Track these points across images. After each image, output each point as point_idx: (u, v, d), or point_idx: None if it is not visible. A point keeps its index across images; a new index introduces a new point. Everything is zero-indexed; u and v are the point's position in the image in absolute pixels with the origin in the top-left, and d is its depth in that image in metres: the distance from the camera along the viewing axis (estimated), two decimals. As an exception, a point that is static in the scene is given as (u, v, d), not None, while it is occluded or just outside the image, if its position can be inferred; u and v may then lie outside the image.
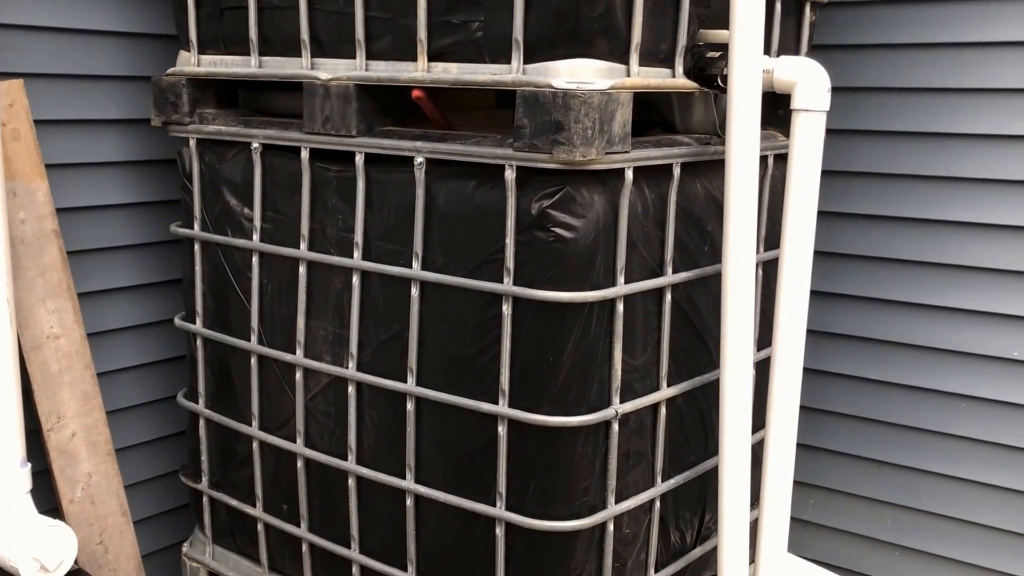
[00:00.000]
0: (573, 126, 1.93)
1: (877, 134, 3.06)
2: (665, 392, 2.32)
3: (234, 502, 2.76)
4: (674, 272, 2.27)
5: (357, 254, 2.34)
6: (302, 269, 2.45)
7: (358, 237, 2.33)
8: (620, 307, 2.13)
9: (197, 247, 2.70)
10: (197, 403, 2.80)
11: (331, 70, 2.32)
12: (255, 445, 2.66)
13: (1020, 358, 2.90)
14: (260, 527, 2.72)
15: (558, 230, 2.04)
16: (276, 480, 2.65)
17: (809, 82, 2.17)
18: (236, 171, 2.58)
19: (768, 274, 2.59)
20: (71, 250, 2.76)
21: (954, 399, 3.03)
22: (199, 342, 2.76)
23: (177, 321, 2.82)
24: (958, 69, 2.89)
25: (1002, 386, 2.94)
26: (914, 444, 3.12)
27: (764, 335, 2.57)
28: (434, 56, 2.15)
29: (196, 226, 2.69)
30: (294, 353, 2.50)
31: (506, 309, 2.10)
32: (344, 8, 2.26)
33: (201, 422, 2.80)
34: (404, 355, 2.28)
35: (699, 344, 2.41)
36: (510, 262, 2.09)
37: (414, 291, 2.24)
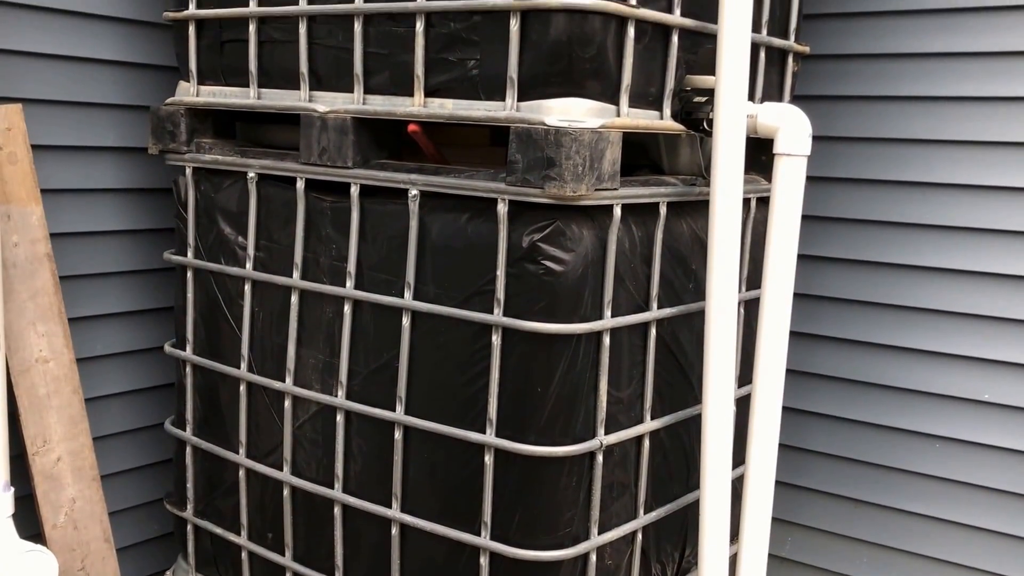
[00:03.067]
0: (564, 162, 2.00)
1: (856, 182, 3.15)
2: (649, 425, 2.36)
3: (219, 530, 2.77)
4: (659, 308, 2.33)
5: (350, 283, 2.39)
6: (294, 298, 2.50)
7: (351, 267, 2.38)
8: (607, 340, 2.18)
9: (190, 275, 2.73)
10: (185, 430, 2.82)
11: (329, 103, 2.38)
12: (242, 473, 2.68)
13: (990, 400, 2.97)
14: (244, 555, 2.73)
15: (548, 263, 2.09)
16: (262, 508, 2.67)
17: (791, 127, 2.24)
18: (231, 200, 2.62)
19: (750, 313, 2.66)
20: (64, 275, 2.79)
21: (928, 440, 3.09)
22: (188, 369, 2.78)
23: (167, 348, 2.85)
24: (933, 121, 2.99)
25: (974, 427, 3.01)
26: (890, 483, 3.17)
27: (745, 372, 2.63)
28: (430, 92, 2.22)
29: (190, 254, 2.73)
30: (284, 381, 2.53)
31: (495, 339, 2.15)
32: (343, 43, 2.33)
33: (188, 449, 2.82)
34: (393, 384, 2.32)
35: (682, 379, 2.46)
36: (500, 293, 2.14)
37: (405, 321, 2.29)
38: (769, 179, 2.38)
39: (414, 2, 2.18)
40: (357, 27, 2.28)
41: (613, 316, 2.19)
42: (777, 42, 2.58)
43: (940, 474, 3.08)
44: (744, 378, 2.63)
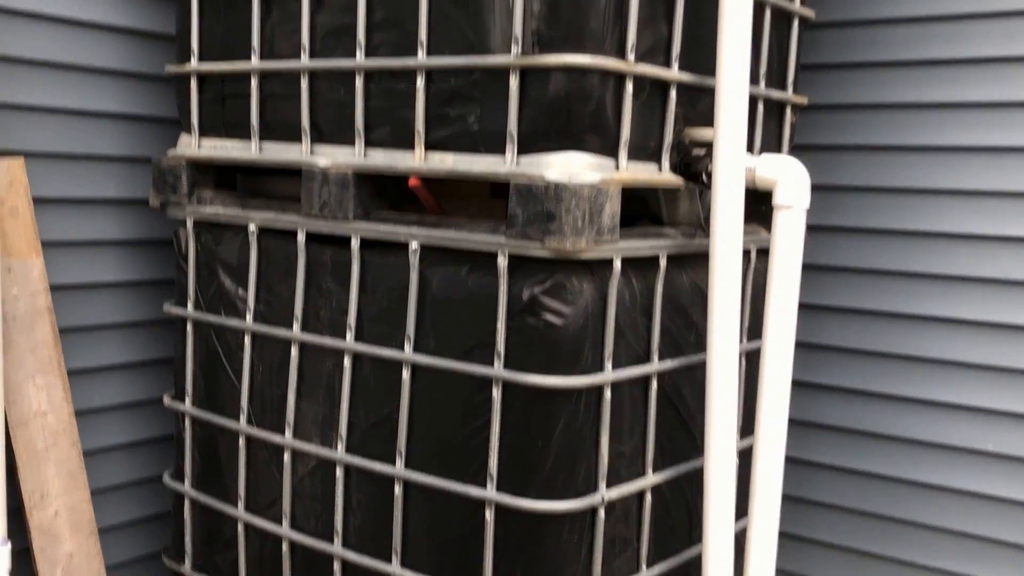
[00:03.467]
0: (564, 216, 2.00)
1: (857, 231, 3.15)
2: (651, 479, 2.35)
3: (216, 584, 2.75)
4: (660, 360, 2.32)
5: (350, 336, 2.38)
6: (294, 350, 2.49)
7: (351, 319, 2.38)
8: (608, 393, 2.17)
9: (190, 327, 2.73)
10: (183, 483, 2.80)
11: (330, 157, 2.39)
12: (240, 527, 2.65)
13: (993, 450, 2.95)
14: (241, 610, 2.70)
15: (548, 316, 2.09)
16: (260, 563, 2.64)
17: (790, 180, 2.25)
18: (232, 252, 2.63)
19: (752, 364, 2.65)
20: (63, 326, 2.79)
21: (932, 491, 3.07)
22: (187, 422, 2.77)
23: (166, 400, 2.84)
24: (933, 171, 3.00)
25: (976, 477, 2.98)
26: (895, 535, 3.14)
27: (748, 423, 2.61)
28: (431, 146, 2.23)
29: (190, 306, 2.72)
30: (283, 434, 2.52)
31: (496, 393, 2.14)
32: (345, 98, 2.35)
33: (186, 503, 2.80)
34: (393, 438, 2.31)
35: (684, 431, 2.45)
36: (501, 347, 2.13)
37: (405, 374, 2.28)
38: (769, 229, 2.38)
39: (415, 59, 2.20)
40: (359, 83, 2.30)
41: (614, 369, 2.18)
42: (775, 94, 2.60)
43: (945, 525, 3.05)
44: (746, 429, 2.61)
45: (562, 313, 2.09)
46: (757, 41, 2.48)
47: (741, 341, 2.60)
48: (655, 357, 2.31)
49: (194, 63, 2.65)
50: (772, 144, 2.67)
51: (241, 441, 2.62)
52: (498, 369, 2.13)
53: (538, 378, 2.09)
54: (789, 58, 2.68)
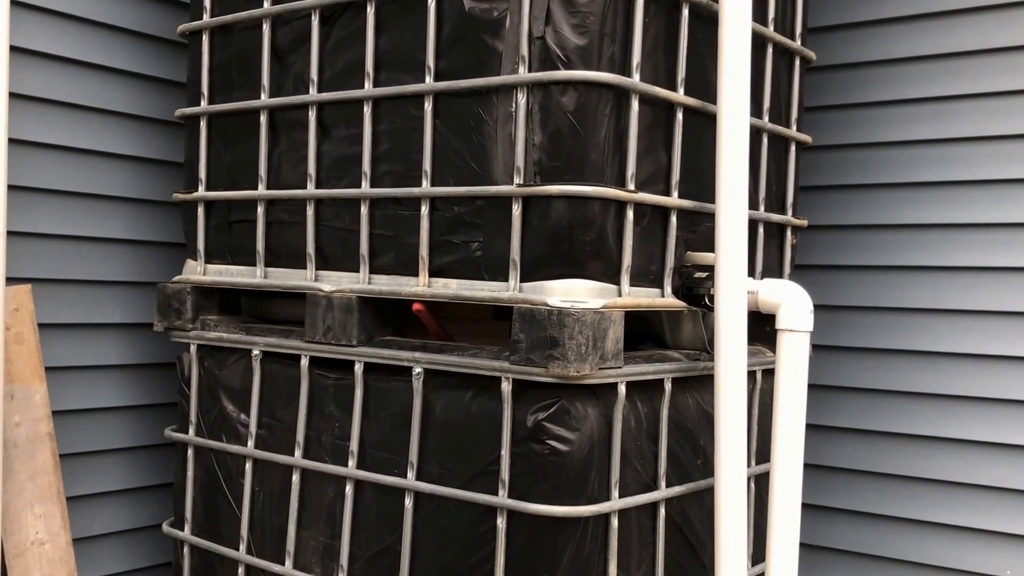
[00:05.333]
0: (568, 342, 2.00)
1: (861, 351, 3.15)
2: (659, 609, 2.29)
3: None
4: (668, 486, 2.29)
5: (352, 462, 2.36)
6: (295, 477, 2.46)
7: (353, 445, 2.36)
8: (615, 522, 2.14)
9: (190, 452, 2.71)
10: (180, 613, 2.74)
11: (335, 282, 2.41)
12: (238, 659, 2.59)
13: (1012, 577, 2.90)
14: None
15: (553, 443, 2.07)
16: None
17: (792, 304, 2.26)
18: (235, 377, 2.62)
19: (760, 487, 2.61)
20: (64, 452, 2.77)
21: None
22: (186, 550, 2.72)
23: (165, 528, 2.79)
24: (935, 291, 3.01)
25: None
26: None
27: (758, 549, 2.56)
28: (435, 272, 2.25)
29: (191, 431, 2.71)
30: (283, 564, 2.47)
31: (500, 522, 2.11)
32: (350, 225, 2.38)
33: (183, 633, 2.73)
34: (395, 568, 2.26)
35: (693, 558, 2.40)
36: (505, 474, 2.11)
37: (408, 502, 2.25)
38: (773, 349, 2.38)
39: (419, 188, 2.23)
40: (364, 210, 2.33)
41: (621, 497, 2.15)
42: (775, 217, 2.63)
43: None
44: (757, 556, 2.56)
45: (567, 439, 2.07)
46: (755, 166, 2.52)
47: (749, 464, 2.57)
48: (662, 483, 2.28)
49: (201, 190, 2.70)
50: (774, 266, 2.69)
51: (240, 571, 2.57)
52: (502, 497, 2.10)
53: (544, 507, 2.06)
54: (788, 181, 2.72)
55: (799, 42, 2.71)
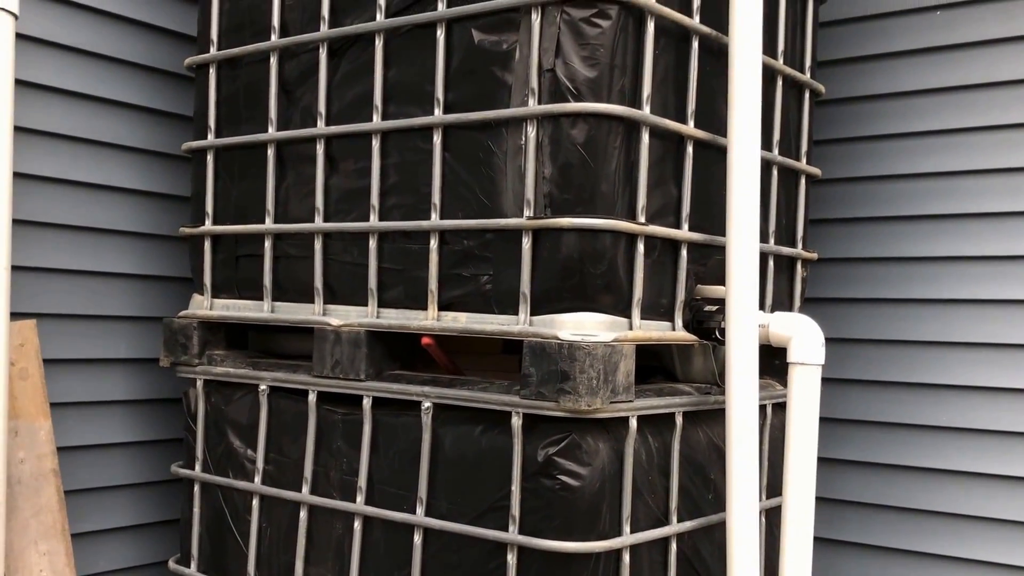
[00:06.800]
0: (579, 376, 1.99)
1: (869, 383, 3.13)
2: (672, 647, 2.26)
3: None
4: (679, 521, 2.27)
5: (360, 498, 2.33)
6: (303, 513, 2.44)
7: (362, 481, 2.33)
8: (627, 558, 2.11)
9: (197, 488, 2.68)
10: (185, 652, 2.71)
11: (343, 316, 2.39)
12: None
13: None
14: None
15: (564, 478, 2.05)
16: None
17: (804, 337, 2.24)
18: (242, 412, 2.60)
19: (771, 521, 2.58)
20: (69, 489, 2.74)
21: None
22: (192, 587, 2.69)
23: (171, 564, 2.76)
24: (944, 324, 3.00)
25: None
26: None
27: (769, 586, 2.53)
28: (444, 306, 2.23)
29: (197, 467, 2.68)
30: (290, 601, 2.44)
31: (511, 559, 2.08)
32: (358, 259, 2.37)
33: (187, 673, 2.70)
34: (405, 605, 2.24)
35: (705, 595, 2.37)
36: (516, 509, 2.08)
37: (417, 538, 2.22)
38: (783, 383, 2.37)
39: (428, 221, 2.23)
40: (372, 244, 2.32)
41: (632, 532, 2.13)
42: (785, 250, 2.63)
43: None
44: (769, 592, 2.53)
45: (578, 474, 2.05)
46: (765, 199, 2.51)
47: (760, 499, 2.54)
48: (674, 518, 2.25)
49: (208, 224, 2.69)
50: (784, 299, 2.68)
51: (247, 608, 2.54)
52: (513, 533, 2.08)
53: (555, 543, 2.03)
54: (798, 215, 2.71)
55: (809, 75, 2.71)
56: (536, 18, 2.08)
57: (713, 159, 2.30)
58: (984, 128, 2.94)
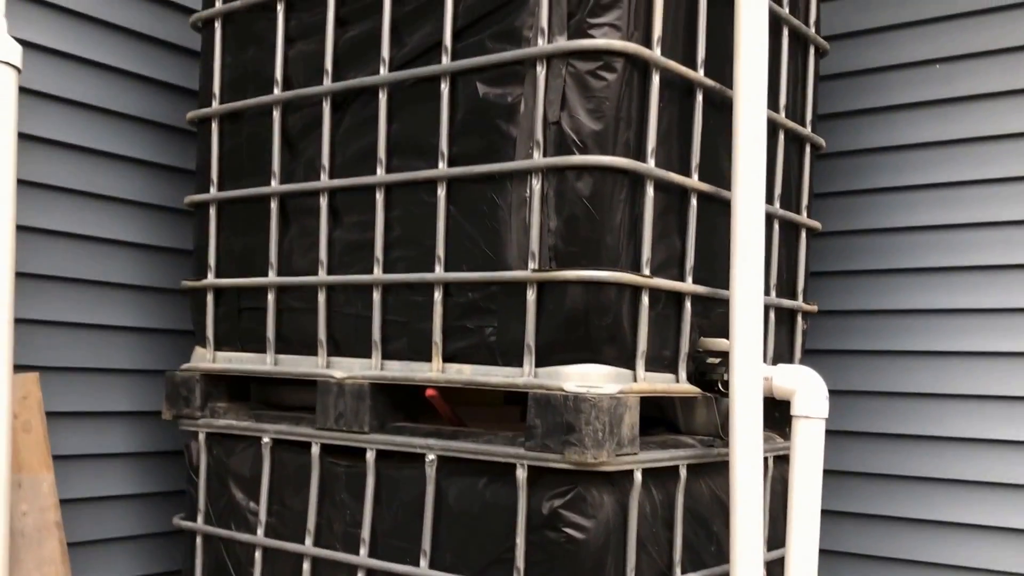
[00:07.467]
0: (584, 428, 1.99)
1: (868, 435, 3.13)
2: None
3: None
4: (683, 573, 2.25)
5: (364, 551, 2.32)
6: (306, 565, 2.42)
7: (365, 533, 2.32)
8: (633, 612, 2.10)
9: (199, 540, 2.67)
10: None
11: (346, 369, 2.40)
12: None
13: None
14: None
15: (569, 531, 2.04)
16: None
17: (808, 390, 2.25)
18: (244, 465, 2.60)
19: (772, 574, 2.57)
20: (72, 541, 2.72)
21: None
22: (191, 642, 2.67)
23: (170, 619, 2.74)
24: (941, 376, 3.01)
25: None
26: None
27: (775, 640, 2.51)
28: (448, 358, 2.24)
29: (199, 519, 2.67)
30: (292, 656, 2.42)
31: (516, 613, 2.07)
32: (362, 311, 2.38)
33: None
34: (408, 660, 2.22)
35: (710, 650, 2.35)
36: (520, 562, 2.07)
37: (421, 592, 2.21)
38: (785, 436, 2.37)
39: (433, 273, 2.24)
40: (376, 296, 2.33)
41: (637, 586, 2.11)
42: (786, 303, 2.64)
43: None
44: (774, 646, 2.51)
45: (583, 527, 2.04)
46: (767, 252, 2.53)
47: (763, 551, 2.53)
48: (677, 571, 2.24)
49: (211, 278, 2.70)
50: (784, 351, 2.69)
51: (247, 664, 2.51)
52: (518, 587, 2.07)
53: (561, 597, 2.02)
54: (798, 268, 2.73)
55: (810, 128, 2.75)
56: (542, 71, 2.11)
57: (716, 212, 2.32)
58: (982, 181, 2.97)
